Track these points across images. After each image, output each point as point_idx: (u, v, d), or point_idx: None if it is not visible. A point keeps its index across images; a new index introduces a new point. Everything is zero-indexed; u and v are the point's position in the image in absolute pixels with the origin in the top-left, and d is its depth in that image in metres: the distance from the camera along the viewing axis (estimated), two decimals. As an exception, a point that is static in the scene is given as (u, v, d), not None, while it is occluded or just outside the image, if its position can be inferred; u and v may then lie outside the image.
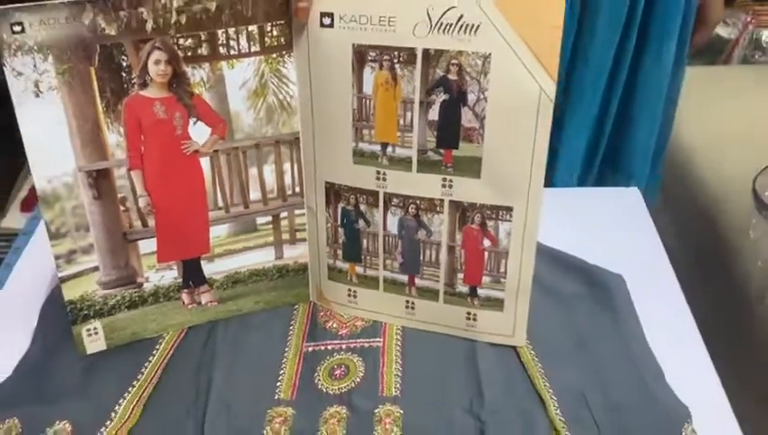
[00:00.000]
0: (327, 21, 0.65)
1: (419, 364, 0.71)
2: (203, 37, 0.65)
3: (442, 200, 0.70)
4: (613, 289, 0.80)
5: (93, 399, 0.68)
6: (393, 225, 0.72)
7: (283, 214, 0.75)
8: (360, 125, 0.69)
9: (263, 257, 0.77)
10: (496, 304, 0.72)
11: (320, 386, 0.69)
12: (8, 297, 0.83)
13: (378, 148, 0.69)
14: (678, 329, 0.77)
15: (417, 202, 0.71)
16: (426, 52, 0.64)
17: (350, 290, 0.77)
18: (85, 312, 0.72)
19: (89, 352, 0.73)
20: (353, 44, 0.66)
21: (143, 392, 0.69)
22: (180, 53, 0.65)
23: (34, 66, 0.61)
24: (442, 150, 0.68)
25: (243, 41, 0.66)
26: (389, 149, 0.69)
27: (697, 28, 0.98)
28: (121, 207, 0.69)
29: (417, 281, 0.74)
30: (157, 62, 0.64)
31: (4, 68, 0.61)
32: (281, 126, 0.71)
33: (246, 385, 0.69)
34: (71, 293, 0.71)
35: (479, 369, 0.70)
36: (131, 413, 0.67)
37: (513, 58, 0.62)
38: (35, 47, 0.61)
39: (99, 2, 0.60)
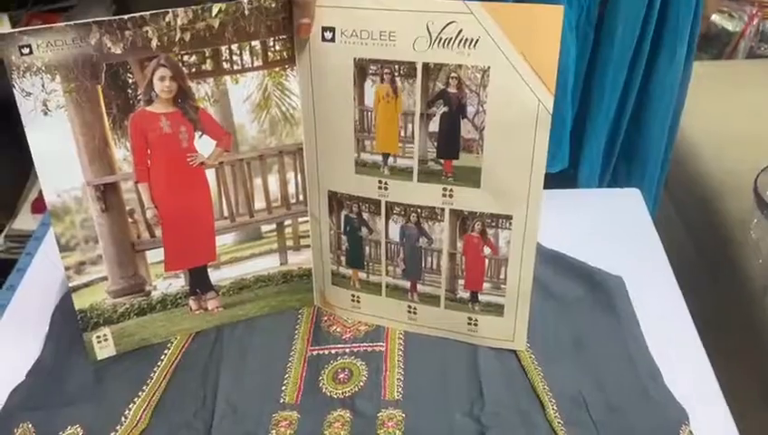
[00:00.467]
0: (329, 35, 0.66)
1: (421, 368, 0.73)
2: (207, 53, 0.66)
3: (443, 209, 0.71)
4: (613, 291, 0.80)
5: (104, 403, 0.70)
6: (395, 232, 0.74)
7: (287, 222, 0.77)
8: (362, 136, 0.70)
9: (268, 264, 0.78)
10: (497, 309, 0.73)
11: (324, 390, 0.71)
12: (20, 302, 0.84)
13: (379, 158, 0.70)
14: (677, 330, 0.77)
15: (419, 211, 0.72)
16: (426, 65, 0.65)
17: (353, 295, 0.78)
18: (95, 320, 0.73)
19: (99, 358, 0.74)
20: (354, 58, 0.66)
21: (152, 396, 0.70)
22: (185, 70, 0.66)
23: (43, 86, 0.62)
24: (442, 161, 0.69)
25: (246, 56, 0.67)
26: (391, 159, 0.70)
27: None
28: (129, 219, 0.71)
29: (419, 287, 0.76)
30: (162, 79, 0.66)
31: (14, 89, 0.62)
32: (284, 137, 0.72)
33: (252, 389, 0.71)
34: (81, 302, 0.72)
35: (480, 372, 0.72)
36: (141, 417, 0.68)
37: (512, 71, 0.63)
38: (43, 68, 0.62)
39: (104, 23, 0.61)
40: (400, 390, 0.70)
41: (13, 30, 0.59)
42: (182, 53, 0.65)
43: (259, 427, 0.67)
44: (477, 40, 0.63)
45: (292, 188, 0.75)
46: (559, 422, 0.66)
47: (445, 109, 0.67)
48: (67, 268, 0.70)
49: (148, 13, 0.63)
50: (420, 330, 0.77)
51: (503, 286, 0.72)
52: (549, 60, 0.62)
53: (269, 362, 0.74)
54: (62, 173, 0.66)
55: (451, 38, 0.63)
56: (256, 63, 0.68)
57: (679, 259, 0.86)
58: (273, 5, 0.66)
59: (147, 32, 0.62)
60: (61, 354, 0.76)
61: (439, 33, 0.63)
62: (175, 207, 0.72)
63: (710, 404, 0.70)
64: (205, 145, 0.70)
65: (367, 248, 0.76)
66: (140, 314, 0.75)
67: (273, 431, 0.67)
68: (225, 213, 0.74)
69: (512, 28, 0.62)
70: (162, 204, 0.71)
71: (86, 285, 0.72)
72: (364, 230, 0.75)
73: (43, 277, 0.85)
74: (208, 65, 0.66)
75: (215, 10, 0.64)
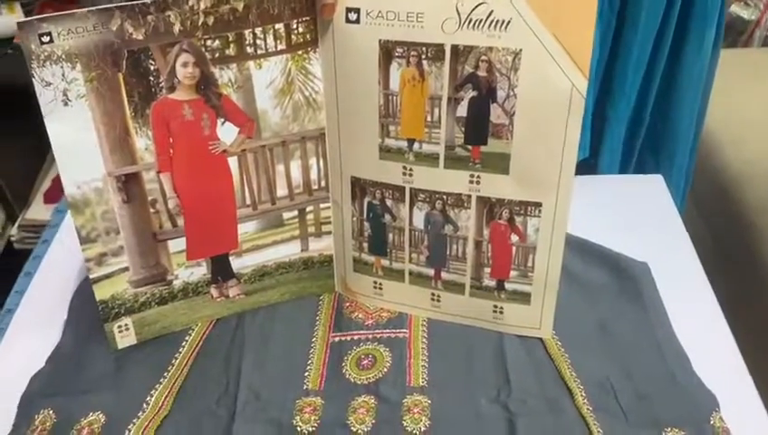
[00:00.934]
0: (353, 16, 0.65)
1: (446, 355, 0.72)
2: (230, 38, 0.64)
3: (469, 196, 0.70)
4: (638, 277, 0.80)
5: (126, 390, 0.69)
6: (419, 219, 0.72)
7: (309, 208, 0.76)
8: (386, 121, 0.68)
9: (289, 250, 0.77)
10: (523, 297, 0.73)
11: (347, 376, 0.70)
12: (38, 289, 0.83)
13: (404, 144, 0.69)
14: (704, 316, 0.77)
15: (444, 197, 0.70)
16: (455, 48, 0.64)
17: (375, 282, 0.77)
18: (116, 310, 0.73)
19: (120, 347, 0.74)
20: (380, 40, 0.65)
21: (174, 383, 0.70)
22: (208, 55, 0.65)
23: (63, 75, 0.61)
24: (470, 147, 0.67)
25: (269, 39, 0.65)
26: (416, 145, 0.69)
27: None
28: (151, 209, 0.70)
29: (444, 274, 0.75)
30: (185, 65, 0.64)
31: (33, 79, 0.60)
32: (307, 122, 0.71)
33: (275, 375, 0.71)
34: (102, 293, 0.71)
35: (506, 359, 0.71)
36: (163, 404, 0.68)
37: (545, 54, 0.61)
38: (64, 56, 0.60)
39: (126, 8, 0.60)
40: (425, 376, 0.70)
41: (32, 18, 0.57)
42: (205, 37, 0.64)
43: (283, 413, 0.67)
44: (509, 22, 0.61)
45: (314, 175, 0.74)
46: (588, 409, 0.66)
47: (473, 93, 0.65)
48: (88, 260, 0.70)
49: None
50: (444, 317, 0.76)
51: (530, 274, 0.71)
52: (583, 42, 0.60)
53: (291, 348, 0.74)
54: (82, 164, 0.65)
55: (481, 19, 0.62)
56: (280, 47, 0.66)
57: (698, 248, 0.86)
58: None
59: (169, 16, 0.61)
60: (80, 341, 0.75)
61: (469, 15, 0.62)
62: (197, 196, 0.70)
63: (740, 391, 0.69)
64: (227, 132, 0.69)
65: (390, 235, 0.75)
66: (162, 303, 0.74)
67: (298, 417, 0.66)
68: (248, 201, 0.73)
69: (545, 9, 0.60)
70: (184, 193, 0.70)
71: (107, 276, 0.71)
72: (387, 217, 0.74)
73: (60, 264, 0.85)
74: (231, 50, 0.65)
75: (239, -8, 0.63)
